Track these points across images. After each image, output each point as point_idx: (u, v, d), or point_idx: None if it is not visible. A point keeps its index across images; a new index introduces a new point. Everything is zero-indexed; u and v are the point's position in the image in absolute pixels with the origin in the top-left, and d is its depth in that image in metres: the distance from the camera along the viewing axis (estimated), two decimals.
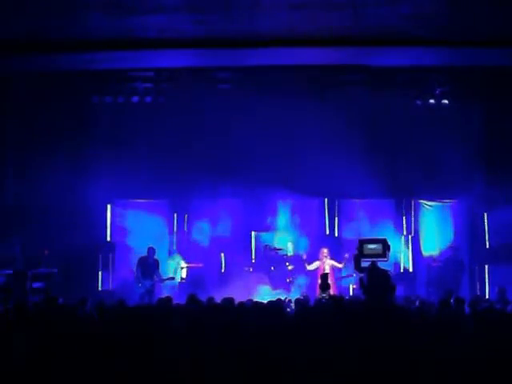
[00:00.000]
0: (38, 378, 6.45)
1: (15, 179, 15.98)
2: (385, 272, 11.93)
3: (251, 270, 16.08)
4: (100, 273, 16.49)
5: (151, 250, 15.23)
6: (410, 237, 16.78)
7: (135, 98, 16.59)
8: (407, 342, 6.98)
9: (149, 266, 15.06)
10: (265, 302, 10.12)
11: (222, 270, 16.46)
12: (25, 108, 15.84)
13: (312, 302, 11.57)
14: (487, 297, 15.00)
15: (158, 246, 15.83)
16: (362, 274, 12.05)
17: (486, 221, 16.51)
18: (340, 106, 16.14)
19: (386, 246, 12.69)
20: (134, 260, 15.48)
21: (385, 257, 12.57)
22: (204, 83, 16.23)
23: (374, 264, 11.96)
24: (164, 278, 15.35)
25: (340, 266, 15.57)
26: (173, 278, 15.71)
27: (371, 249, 12.52)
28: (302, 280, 15.86)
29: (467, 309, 10.10)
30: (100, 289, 16.34)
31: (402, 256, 16.53)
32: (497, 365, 6.39)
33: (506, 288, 13.86)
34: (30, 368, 6.55)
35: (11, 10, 12.13)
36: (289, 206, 17.04)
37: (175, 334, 7.51)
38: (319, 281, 14.22)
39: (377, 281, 11.62)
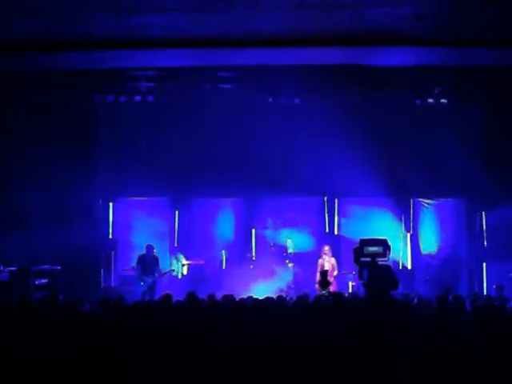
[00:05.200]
0: (38, 373, 6.50)
1: (18, 177, 16.05)
2: (387, 267, 12.00)
3: (251, 266, 16.18)
4: (102, 270, 16.60)
5: (150, 247, 15.34)
6: (408, 235, 16.87)
7: (137, 98, 16.66)
8: (406, 339, 7.04)
9: (149, 263, 15.16)
10: (265, 298, 10.20)
11: (223, 267, 16.54)
12: (27, 107, 15.90)
13: (311, 299, 11.64)
14: (485, 294, 15.06)
15: (158, 243, 15.97)
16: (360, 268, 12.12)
17: (484, 219, 16.62)
18: (340, 105, 16.22)
19: (386, 247, 12.73)
20: (136, 257, 15.59)
21: (385, 257, 12.63)
22: (205, 82, 16.35)
23: (374, 260, 12.05)
24: (164, 272, 15.51)
25: (335, 271, 15.54)
26: (173, 271, 15.86)
27: (372, 250, 12.57)
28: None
29: (466, 306, 10.15)
30: (102, 286, 16.43)
31: (401, 254, 16.62)
32: (496, 362, 6.43)
33: (503, 285, 13.98)
34: (32, 363, 6.61)
35: (13, 10, 12.18)
36: (289, 204, 17.12)
37: (176, 332, 7.57)
38: (319, 278, 14.33)
39: (378, 277, 11.69)
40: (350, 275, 15.62)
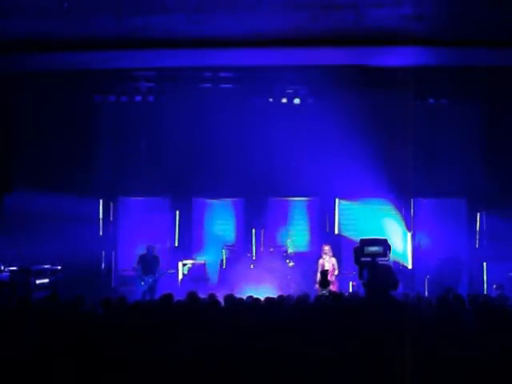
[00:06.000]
0: (39, 372, 6.52)
1: (19, 177, 16.08)
2: (387, 267, 12.02)
3: (252, 266, 16.20)
4: (102, 270, 16.62)
5: (150, 247, 15.37)
6: (409, 234, 16.89)
7: (138, 98, 16.70)
8: (406, 339, 7.06)
9: (149, 263, 15.18)
10: (266, 298, 10.21)
11: (224, 267, 16.55)
12: (28, 107, 15.93)
13: (312, 299, 11.65)
14: (485, 294, 15.07)
15: (159, 243, 16.00)
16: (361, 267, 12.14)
17: (484, 218, 16.64)
18: (340, 105, 16.25)
19: (386, 247, 12.76)
20: (136, 257, 15.62)
21: (385, 256, 12.65)
22: (206, 83, 16.39)
23: (374, 260, 12.06)
24: (167, 271, 15.59)
25: (336, 270, 15.54)
26: (172, 273, 15.93)
27: (372, 250, 12.59)
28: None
29: (466, 305, 10.15)
30: (102, 285, 16.45)
31: (402, 254, 16.63)
32: (496, 362, 6.44)
33: (503, 285, 14.00)
34: (32, 363, 6.62)
35: (14, 10, 12.20)
36: (289, 203, 17.15)
37: (176, 331, 7.59)
38: (319, 277, 14.34)
39: (378, 277, 11.71)
40: (351, 275, 15.62)
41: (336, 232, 17.16)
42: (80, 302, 9.84)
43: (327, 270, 14.63)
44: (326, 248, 15.62)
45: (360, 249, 12.51)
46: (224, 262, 16.58)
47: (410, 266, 16.71)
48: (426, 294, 15.04)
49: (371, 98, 16.36)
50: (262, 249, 16.73)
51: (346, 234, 16.88)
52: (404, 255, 16.71)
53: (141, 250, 15.58)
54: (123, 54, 13.57)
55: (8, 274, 14.12)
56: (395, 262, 15.98)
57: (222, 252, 16.65)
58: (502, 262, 15.62)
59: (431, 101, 16.59)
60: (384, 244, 12.64)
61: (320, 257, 15.63)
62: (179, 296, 10.82)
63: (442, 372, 6.42)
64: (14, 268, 14.28)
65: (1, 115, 15.79)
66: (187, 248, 16.85)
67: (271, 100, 16.73)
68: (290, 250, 16.45)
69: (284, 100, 16.62)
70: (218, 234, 16.93)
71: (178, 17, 12.08)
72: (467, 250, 16.66)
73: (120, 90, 16.68)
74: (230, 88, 16.56)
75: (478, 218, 16.75)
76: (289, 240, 16.60)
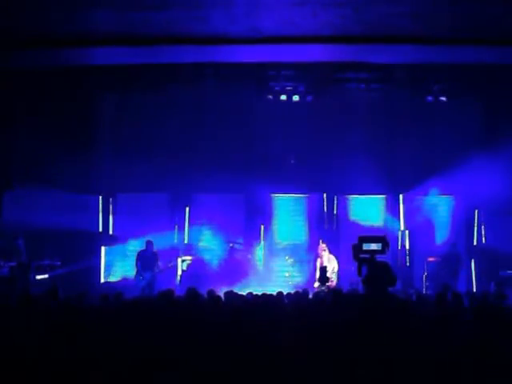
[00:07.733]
0: (39, 369, 6.53)
1: (19, 173, 16.11)
2: (385, 264, 12.06)
3: (252, 262, 16.24)
4: (102, 266, 16.66)
5: (149, 243, 15.39)
6: (407, 232, 16.93)
7: (138, 94, 16.70)
8: (405, 336, 7.08)
9: (148, 259, 15.21)
10: (265, 294, 10.25)
11: (224, 263, 16.58)
12: (29, 103, 15.95)
13: (311, 295, 11.70)
14: (484, 291, 15.09)
15: (158, 239, 16.03)
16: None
17: (483, 216, 16.68)
18: (339, 102, 16.28)
19: (385, 244, 12.78)
20: (135, 253, 15.64)
21: (384, 253, 12.69)
22: (206, 79, 16.39)
23: (373, 256, 12.10)
24: (169, 265, 15.64)
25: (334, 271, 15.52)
26: (172, 266, 15.98)
27: (371, 247, 12.60)
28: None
29: (464, 303, 10.18)
30: (102, 281, 16.51)
31: (401, 251, 16.67)
32: (495, 361, 6.46)
33: (502, 282, 14.04)
34: (32, 359, 6.63)
35: (17, 6, 12.21)
36: (288, 200, 17.20)
37: (175, 327, 7.61)
38: (318, 274, 14.38)
39: (377, 273, 11.74)
40: (349, 271, 15.64)
41: (335, 228, 17.19)
42: (80, 297, 9.88)
43: (326, 267, 14.66)
44: (323, 245, 15.66)
45: (358, 246, 12.54)
46: (223, 257, 16.62)
47: (408, 263, 16.74)
48: (424, 291, 15.07)
49: (370, 95, 16.39)
50: (262, 245, 16.78)
51: (345, 230, 16.90)
52: (403, 252, 16.73)
53: (140, 246, 15.62)
54: (123, 50, 13.59)
55: (7, 269, 14.14)
56: (394, 259, 16.01)
57: (221, 248, 16.69)
58: (501, 259, 15.65)
59: (430, 98, 16.60)
60: (383, 241, 12.66)
61: (318, 254, 15.67)
62: (178, 292, 10.87)
63: (441, 371, 6.42)
64: (14, 263, 14.30)
65: (1, 112, 15.80)
66: (186, 244, 16.88)
67: (270, 97, 16.74)
68: (289, 246, 16.51)
69: (283, 97, 16.63)
70: (217, 229, 16.95)
71: (178, 13, 12.10)
72: (466, 247, 16.70)
73: (120, 86, 16.68)
74: (229, 85, 16.57)
75: (477, 215, 16.79)
76: (288, 236, 16.66)
